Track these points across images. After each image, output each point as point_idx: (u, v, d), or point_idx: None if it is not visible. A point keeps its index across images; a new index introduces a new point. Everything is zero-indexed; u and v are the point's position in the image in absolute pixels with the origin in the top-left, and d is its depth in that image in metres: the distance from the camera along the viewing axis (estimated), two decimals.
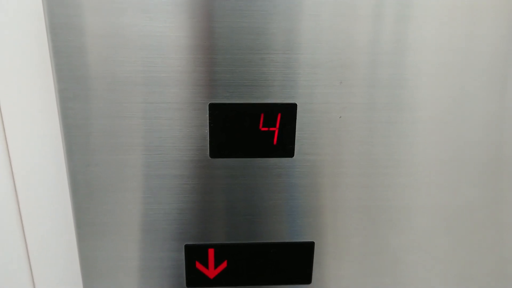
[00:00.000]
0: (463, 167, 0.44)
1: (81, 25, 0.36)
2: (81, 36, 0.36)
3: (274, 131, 0.40)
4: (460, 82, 0.41)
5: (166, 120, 0.39)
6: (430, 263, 0.48)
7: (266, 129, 0.40)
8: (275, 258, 0.45)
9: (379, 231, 0.45)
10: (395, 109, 0.41)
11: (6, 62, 0.41)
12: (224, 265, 0.45)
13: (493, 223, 0.47)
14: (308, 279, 0.46)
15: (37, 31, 0.40)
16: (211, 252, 0.44)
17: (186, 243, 0.44)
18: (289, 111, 0.40)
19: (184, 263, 0.45)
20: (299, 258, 0.45)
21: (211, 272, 0.45)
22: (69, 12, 0.35)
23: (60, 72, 0.37)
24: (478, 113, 0.42)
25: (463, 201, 0.45)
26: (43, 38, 0.40)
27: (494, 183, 0.45)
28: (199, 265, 0.45)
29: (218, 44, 0.37)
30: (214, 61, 0.38)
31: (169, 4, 0.36)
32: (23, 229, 0.47)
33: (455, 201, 0.45)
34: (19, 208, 0.46)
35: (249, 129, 0.40)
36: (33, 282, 0.49)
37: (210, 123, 0.39)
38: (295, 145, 0.41)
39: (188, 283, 0.45)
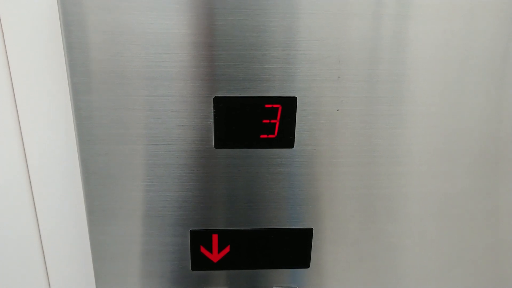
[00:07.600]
0: (456, 157, 0.44)
1: (92, 23, 0.36)
2: (93, 33, 0.37)
3: (275, 123, 0.41)
4: (456, 76, 0.41)
5: (172, 112, 0.40)
6: (424, 248, 0.48)
7: (267, 121, 0.40)
8: (276, 243, 0.46)
9: (375, 218, 0.46)
10: (391, 102, 0.41)
11: (24, 57, 0.41)
12: (227, 249, 0.46)
13: (485, 210, 0.47)
14: (306, 263, 0.47)
15: (52, 29, 0.40)
16: (215, 237, 0.45)
17: (191, 228, 0.44)
18: (289, 104, 0.40)
19: (189, 248, 0.45)
20: (298, 243, 0.46)
21: (215, 256, 0.46)
22: (82, 10, 0.36)
23: (73, 66, 0.37)
24: (474, 106, 0.42)
25: (456, 189, 0.46)
26: (57, 35, 0.40)
27: (487, 173, 0.45)
28: (203, 250, 0.45)
29: (221, 41, 0.38)
30: (218, 56, 0.38)
31: (174, 3, 0.36)
32: (37, 216, 0.47)
33: (448, 189, 0.45)
34: (33, 196, 0.46)
35: (252, 121, 0.40)
36: (45, 264, 0.50)
37: (214, 115, 0.40)
38: (295, 137, 0.41)
39: (193, 267, 0.46)
